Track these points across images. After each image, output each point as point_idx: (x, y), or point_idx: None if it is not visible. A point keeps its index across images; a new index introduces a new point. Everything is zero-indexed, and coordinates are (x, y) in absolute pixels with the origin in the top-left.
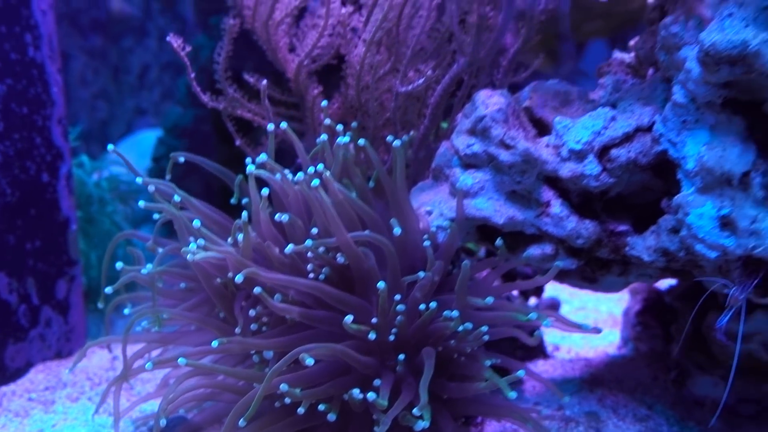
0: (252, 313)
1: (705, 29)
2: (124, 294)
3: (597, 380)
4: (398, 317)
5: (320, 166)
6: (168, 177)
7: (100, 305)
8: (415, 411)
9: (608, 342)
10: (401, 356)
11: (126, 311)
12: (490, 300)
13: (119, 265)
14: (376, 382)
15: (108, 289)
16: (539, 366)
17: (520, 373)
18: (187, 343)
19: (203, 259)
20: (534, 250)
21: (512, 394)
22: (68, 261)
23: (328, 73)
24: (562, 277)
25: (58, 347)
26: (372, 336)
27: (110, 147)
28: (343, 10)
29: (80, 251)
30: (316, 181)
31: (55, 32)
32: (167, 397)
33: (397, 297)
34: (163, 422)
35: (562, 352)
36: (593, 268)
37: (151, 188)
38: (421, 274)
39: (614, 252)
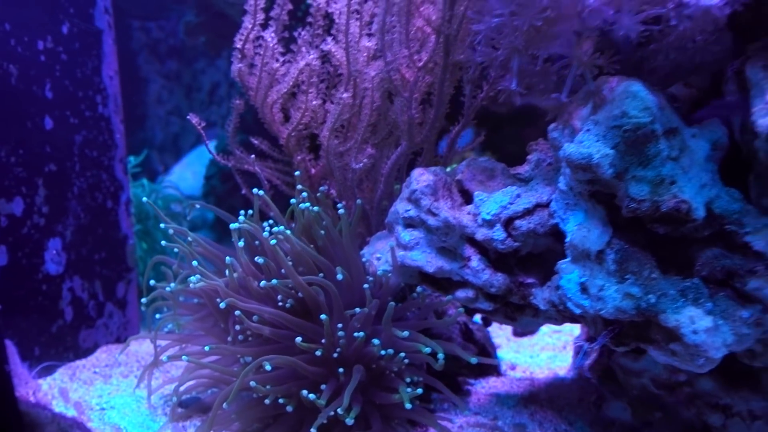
0: (238, 327)
1: (573, 140)
2: (159, 300)
3: (533, 398)
4: (341, 340)
5: (281, 227)
6: (189, 216)
7: (142, 309)
8: (339, 410)
9: (564, 365)
10: (341, 369)
11: (157, 316)
12: (406, 333)
13: (152, 282)
14: (323, 386)
15: (143, 300)
16: (490, 382)
17: (419, 390)
18: (196, 344)
19: (199, 287)
20: (460, 293)
21: (408, 405)
22: (126, 268)
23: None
24: (492, 314)
25: (118, 334)
26: (318, 353)
27: (144, 199)
28: (314, 102)
29: (138, 258)
30: (273, 241)
31: (119, 92)
32: (182, 381)
33: (340, 325)
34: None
35: (517, 371)
36: (512, 310)
37: (170, 231)
38: (357, 309)
39: (522, 299)
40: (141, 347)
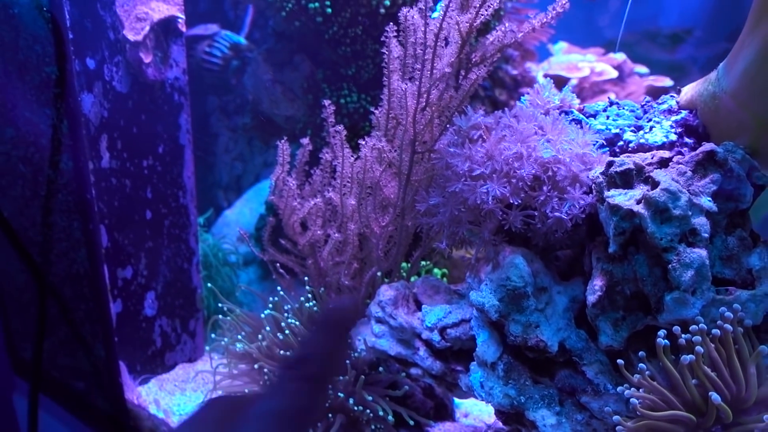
0: (266, 377)
1: (479, 287)
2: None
3: None
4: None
5: (292, 320)
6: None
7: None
8: None
9: None
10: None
11: (215, 356)
12: (370, 398)
13: (212, 335)
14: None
15: (212, 335)
16: (445, 426)
17: None
18: (239, 380)
19: (241, 350)
20: (413, 370)
21: None
22: (196, 309)
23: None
24: (439, 386)
25: (190, 356)
26: None
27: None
28: (319, 233)
29: (204, 296)
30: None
31: (194, 185)
32: None
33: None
34: None
35: (469, 418)
36: (449, 386)
37: (225, 308)
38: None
39: (453, 380)
40: (206, 367)
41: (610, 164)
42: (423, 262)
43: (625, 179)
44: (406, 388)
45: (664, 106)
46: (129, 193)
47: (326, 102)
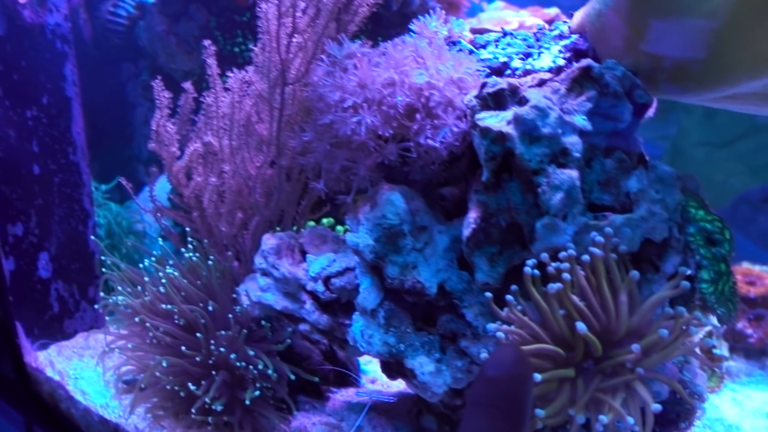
0: (151, 335)
1: (357, 229)
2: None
3: (377, 406)
4: (215, 352)
5: (171, 270)
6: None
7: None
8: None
9: None
10: (214, 372)
11: (107, 318)
12: (252, 353)
13: (101, 293)
14: (203, 382)
15: (98, 306)
16: (349, 392)
17: (257, 393)
18: (130, 341)
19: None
20: (301, 326)
21: (247, 402)
22: (94, 276)
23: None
24: (332, 343)
25: (90, 324)
26: (198, 359)
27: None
28: (198, 179)
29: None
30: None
31: (85, 143)
32: (118, 366)
33: (212, 341)
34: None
35: (376, 385)
36: (340, 342)
37: (108, 261)
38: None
39: (342, 335)
40: (108, 338)
41: (483, 86)
42: (325, 220)
43: (498, 100)
44: (288, 341)
45: (556, 32)
46: (13, 144)
47: (206, 42)
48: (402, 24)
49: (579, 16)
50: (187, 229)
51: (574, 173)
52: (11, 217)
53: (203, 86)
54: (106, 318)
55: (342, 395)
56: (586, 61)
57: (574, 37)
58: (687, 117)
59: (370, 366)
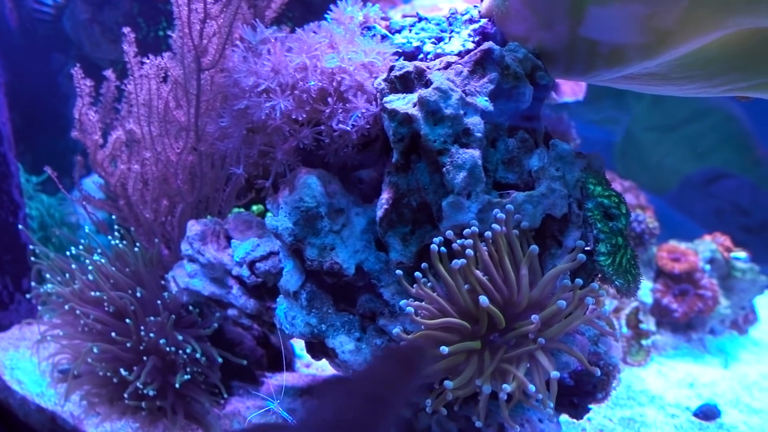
0: (83, 322)
1: (277, 213)
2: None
3: (311, 389)
4: (144, 338)
5: (97, 257)
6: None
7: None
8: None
9: None
10: (145, 357)
11: (39, 307)
12: (180, 337)
13: (32, 283)
14: (135, 368)
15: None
16: (285, 376)
17: (186, 377)
18: (63, 329)
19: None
20: (230, 311)
21: (177, 385)
22: (28, 267)
23: None
24: (261, 327)
25: (26, 315)
26: (128, 344)
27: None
28: (122, 167)
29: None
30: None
31: (11, 133)
32: (52, 355)
33: (142, 327)
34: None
35: (311, 369)
36: (268, 327)
37: (36, 251)
38: (152, 318)
39: (270, 319)
40: (41, 328)
41: (391, 69)
42: (255, 207)
43: (405, 83)
44: (215, 325)
45: (467, 17)
46: None
47: (125, 29)
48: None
49: (487, 1)
50: (114, 217)
51: (476, 152)
52: None
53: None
54: (39, 308)
55: (277, 380)
56: (487, 44)
57: (483, 21)
58: (637, 103)
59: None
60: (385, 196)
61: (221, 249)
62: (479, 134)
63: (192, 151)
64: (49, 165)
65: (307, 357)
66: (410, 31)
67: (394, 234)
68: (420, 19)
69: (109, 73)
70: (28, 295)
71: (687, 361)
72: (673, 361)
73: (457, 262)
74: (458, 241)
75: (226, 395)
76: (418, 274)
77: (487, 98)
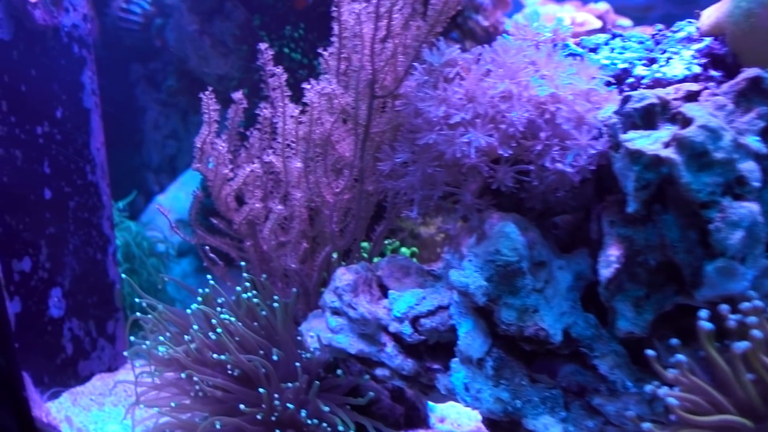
0: (197, 387)
1: (461, 264)
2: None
3: None
4: (279, 407)
5: (226, 316)
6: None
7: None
8: None
9: None
10: (277, 431)
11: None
12: (327, 409)
13: (132, 338)
14: None
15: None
16: None
17: None
18: (166, 392)
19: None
20: (378, 371)
21: None
22: (114, 308)
23: None
24: (410, 388)
25: (109, 364)
26: (259, 416)
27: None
28: (257, 205)
29: (126, 293)
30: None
31: (105, 160)
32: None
33: (276, 395)
34: None
35: (446, 424)
36: (423, 388)
37: (144, 303)
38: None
39: (429, 381)
40: (128, 376)
41: (626, 100)
42: (386, 241)
43: (648, 118)
44: (371, 394)
45: (681, 34)
46: (21, 166)
47: (262, 45)
48: (448, 22)
49: (713, 15)
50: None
51: (754, 207)
52: (17, 252)
53: (245, 92)
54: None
55: None
56: (753, 72)
57: (708, 40)
58: None
59: (439, 405)
60: (615, 252)
61: (374, 300)
62: (756, 183)
63: (351, 190)
64: (124, 183)
65: (440, 410)
66: (611, 50)
67: (624, 298)
68: (614, 36)
69: (238, 95)
70: (125, 353)
71: None
72: None
73: (740, 346)
74: (733, 316)
75: None
76: (680, 356)
77: (758, 138)
